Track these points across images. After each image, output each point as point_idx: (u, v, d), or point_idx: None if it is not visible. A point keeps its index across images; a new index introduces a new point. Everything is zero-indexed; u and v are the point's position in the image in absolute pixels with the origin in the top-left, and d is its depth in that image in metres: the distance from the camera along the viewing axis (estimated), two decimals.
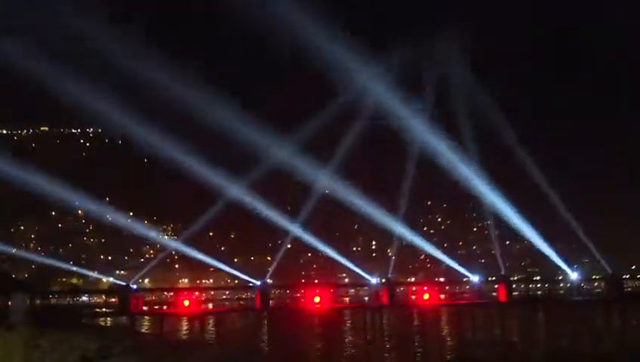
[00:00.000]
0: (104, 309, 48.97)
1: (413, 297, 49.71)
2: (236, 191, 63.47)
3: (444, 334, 47.06)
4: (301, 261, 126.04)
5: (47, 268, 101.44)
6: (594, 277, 57.65)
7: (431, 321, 48.94)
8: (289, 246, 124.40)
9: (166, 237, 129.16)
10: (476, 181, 62.85)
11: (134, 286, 42.05)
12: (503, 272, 56.63)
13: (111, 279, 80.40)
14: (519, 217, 57.23)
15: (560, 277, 59.99)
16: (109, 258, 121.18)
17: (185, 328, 55.02)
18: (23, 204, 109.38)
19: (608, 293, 49.64)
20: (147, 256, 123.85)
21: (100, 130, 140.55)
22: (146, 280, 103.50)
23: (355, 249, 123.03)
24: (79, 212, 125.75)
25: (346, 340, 44.65)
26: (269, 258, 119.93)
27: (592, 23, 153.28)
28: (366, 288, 51.95)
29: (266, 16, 54.44)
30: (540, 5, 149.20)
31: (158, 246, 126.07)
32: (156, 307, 51.79)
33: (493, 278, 55.28)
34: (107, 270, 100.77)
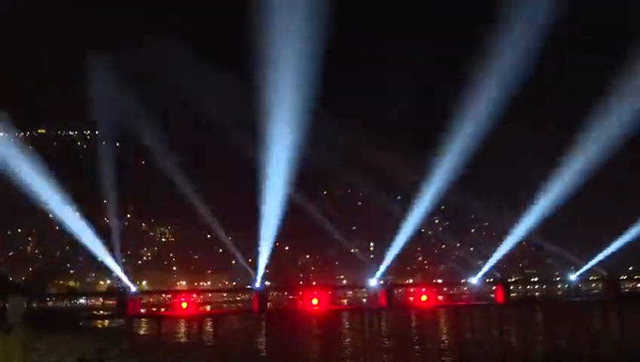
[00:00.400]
0: (102, 312, 48.83)
1: (412, 299, 49.74)
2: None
3: (442, 335, 47.05)
4: (299, 263, 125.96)
5: (45, 271, 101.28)
6: (591, 278, 57.71)
7: (429, 323, 48.95)
8: (287, 248, 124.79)
9: (163, 239, 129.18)
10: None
11: (133, 289, 42.04)
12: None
13: (113, 279, 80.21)
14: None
15: (558, 279, 60.17)
16: (107, 260, 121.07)
17: (183, 330, 54.92)
18: (20, 206, 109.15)
19: (606, 294, 49.72)
20: (145, 258, 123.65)
21: (97, 132, 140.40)
22: (144, 282, 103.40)
23: (352, 250, 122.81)
24: (76, 214, 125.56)
25: (345, 342, 44.57)
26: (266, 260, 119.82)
27: None
28: (364, 290, 51.96)
29: None
30: None
31: (156, 248, 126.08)
32: (154, 309, 51.74)
33: (491, 280, 55.28)
34: (104, 272, 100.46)
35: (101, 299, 54.38)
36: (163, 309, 52.06)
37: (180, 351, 36.99)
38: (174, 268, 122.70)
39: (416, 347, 40.55)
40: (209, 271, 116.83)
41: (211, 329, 44.29)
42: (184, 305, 40.72)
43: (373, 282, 45.51)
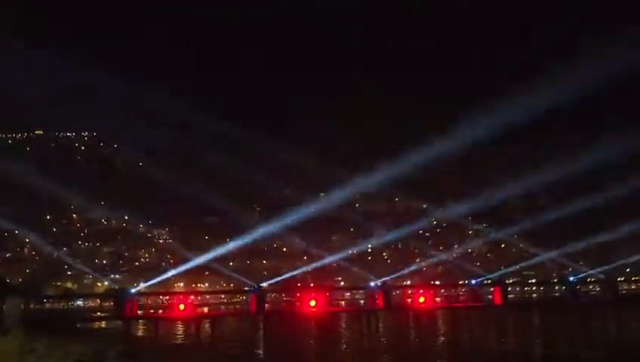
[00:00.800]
0: (99, 313, 48.74)
1: (409, 300, 49.75)
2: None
3: (439, 337, 46.98)
4: (297, 264, 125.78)
5: (42, 272, 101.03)
6: (589, 280, 57.88)
7: (426, 324, 48.88)
8: (284, 249, 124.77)
9: (161, 241, 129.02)
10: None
11: (132, 290, 42.06)
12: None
13: (109, 281, 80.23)
14: None
15: (555, 280, 60.29)
16: (104, 261, 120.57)
17: (180, 332, 54.87)
18: (17, 207, 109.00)
19: (604, 296, 49.85)
20: (142, 259, 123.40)
21: (94, 134, 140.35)
22: (141, 284, 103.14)
23: (351, 252, 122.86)
24: (73, 215, 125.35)
25: (342, 343, 44.51)
26: (264, 261, 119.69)
27: None
28: (362, 291, 51.99)
29: None
30: None
31: (153, 250, 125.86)
32: (151, 311, 51.66)
33: (489, 281, 55.36)
34: (102, 274, 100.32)
35: (98, 301, 54.27)
36: (160, 311, 51.99)
37: (178, 353, 36.92)
38: (172, 270, 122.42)
39: (412, 348, 40.47)
40: (207, 273, 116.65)
41: (209, 331, 44.24)
42: (181, 306, 40.76)
43: (371, 283, 45.58)
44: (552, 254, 63.84)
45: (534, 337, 43.16)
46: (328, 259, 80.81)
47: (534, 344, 39.94)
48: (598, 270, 56.66)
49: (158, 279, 52.17)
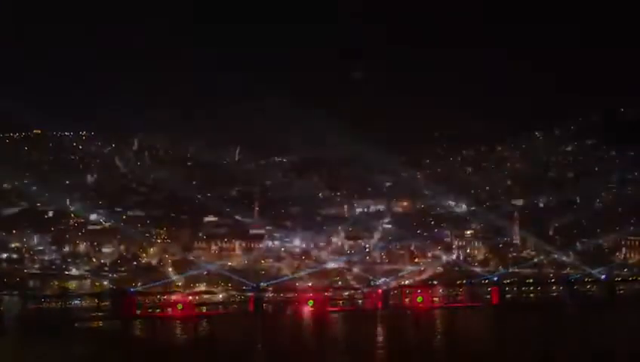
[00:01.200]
0: (97, 313, 48.71)
1: (407, 300, 49.85)
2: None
3: (437, 336, 47.13)
4: (295, 264, 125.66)
5: (40, 272, 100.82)
6: (587, 279, 57.91)
7: (424, 323, 49.03)
8: (283, 249, 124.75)
9: (159, 241, 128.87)
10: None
11: (130, 290, 42.13)
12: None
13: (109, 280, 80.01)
14: None
15: (552, 280, 60.36)
16: (102, 261, 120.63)
17: (179, 331, 54.91)
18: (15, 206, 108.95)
19: (602, 295, 49.94)
20: (141, 259, 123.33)
21: (92, 133, 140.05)
22: (139, 283, 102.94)
23: (348, 251, 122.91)
24: (72, 215, 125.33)
25: (340, 343, 44.61)
26: (262, 261, 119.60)
27: None
28: (360, 291, 52.12)
29: None
30: None
31: (152, 250, 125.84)
32: (150, 310, 51.58)
33: (487, 281, 55.42)
34: (100, 274, 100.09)
35: (96, 301, 54.15)
36: (159, 310, 51.93)
37: (176, 352, 36.99)
38: (169, 269, 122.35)
39: (411, 347, 40.59)
40: (205, 273, 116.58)
41: (207, 330, 44.28)
42: (180, 306, 40.80)
43: (370, 283, 45.69)
44: (551, 254, 63.85)
45: (533, 336, 43.31)
46: (327, 260, 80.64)
47: (534, 343, 40.07)
48: (596, 270, 56.79)
49: (158, 283, 52.29)
